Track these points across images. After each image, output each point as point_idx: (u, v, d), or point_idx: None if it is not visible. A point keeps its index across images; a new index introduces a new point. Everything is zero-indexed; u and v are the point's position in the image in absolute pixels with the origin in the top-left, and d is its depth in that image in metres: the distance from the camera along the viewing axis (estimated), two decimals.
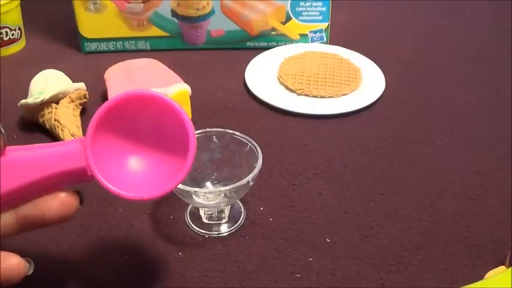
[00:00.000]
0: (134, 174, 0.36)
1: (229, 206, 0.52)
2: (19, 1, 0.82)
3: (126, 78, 0.67)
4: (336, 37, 0.84)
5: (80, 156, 0.34)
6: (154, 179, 0.36)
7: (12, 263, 0.35)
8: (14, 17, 0.81)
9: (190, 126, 0.35)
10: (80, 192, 0.38)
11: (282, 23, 0.82)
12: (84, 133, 0.62)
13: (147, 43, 0.82)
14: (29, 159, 0.34)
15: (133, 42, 0.82)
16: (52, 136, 0.63)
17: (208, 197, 0.48)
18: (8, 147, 0.34)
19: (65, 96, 0.64)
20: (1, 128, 0.34)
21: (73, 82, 0.67)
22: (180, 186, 0.45)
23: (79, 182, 0.36)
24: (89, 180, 0.35)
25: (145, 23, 0.80)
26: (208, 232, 0.51)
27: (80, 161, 0.34)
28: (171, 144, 0.36)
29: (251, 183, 0.48)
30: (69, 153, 0.34)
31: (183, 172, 0.35)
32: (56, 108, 0.63)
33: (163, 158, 0.37)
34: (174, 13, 0.79)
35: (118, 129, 0.36)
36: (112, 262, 0.48)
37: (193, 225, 0.52)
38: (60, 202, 0.35)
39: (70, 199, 0.36)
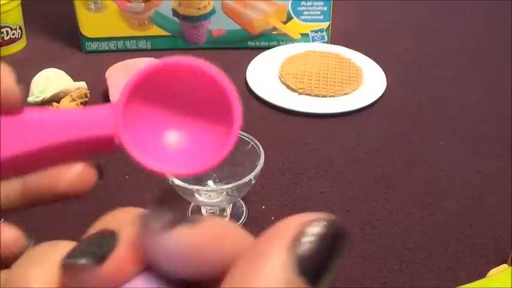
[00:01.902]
0: (169, 149, 0.33)
1: (231, 205, 0.52)
2: (20, 0, 0.82)
3: (127, 78, 0.66)
4: (337, 37, 0.84)
5: (109, 122, 0.30)
6: (193, 154, 0.32)
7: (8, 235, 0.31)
8: (14, 17, 0.81)
9: (235, 98, 0.31)
10: (100, 166, 0.34)
11: (283, 22, 0.82)
12: None
13: (148, 42, 0.82)
14: (49, 121, 0.30)
15: (134, 41, 0.82)
16: None
17: (210, 196, 0.48)
18: (27, 108, 0.30)
19: (66, 95, 0.64)
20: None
21: (74, 81, 0.67)
22: (182, 184, 0.45)
23: (103, 152, 0.32)
24: (114, 151, 0.31)
25: (146, 22, 0.80)
26: None
27: (108, 128, 0.30)
28: (213, 118, 0.33)
29: (253, 182, 0.48)
30: (96, 118, 0.30)
31: (228, 146, 0.31)
32: (57, 107, 0.63)
33: (203, 131, 0.33)
34: (175, 12, 0.79)
35: (152, 99, 0.32)
36: None
37: None
38: (74, 173, 0.31)
39: (86, 171, 0.32)
